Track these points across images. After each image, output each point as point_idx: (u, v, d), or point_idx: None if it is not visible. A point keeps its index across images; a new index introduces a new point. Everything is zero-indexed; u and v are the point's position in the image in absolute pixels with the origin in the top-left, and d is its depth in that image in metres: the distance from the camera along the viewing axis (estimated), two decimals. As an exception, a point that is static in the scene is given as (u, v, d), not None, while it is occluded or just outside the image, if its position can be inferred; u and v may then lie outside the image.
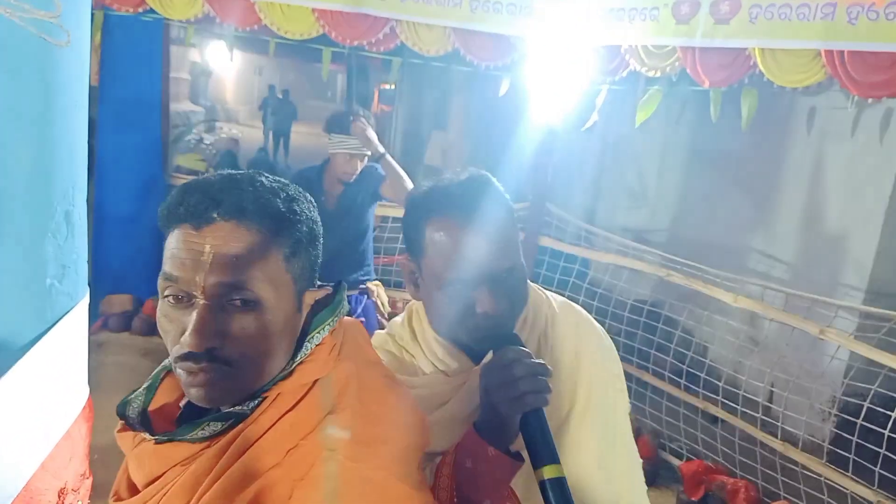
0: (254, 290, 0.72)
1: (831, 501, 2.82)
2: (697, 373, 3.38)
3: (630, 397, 1.14)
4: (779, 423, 3.17)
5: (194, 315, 0.71)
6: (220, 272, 0.71)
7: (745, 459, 3.13)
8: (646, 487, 1.11)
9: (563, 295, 1.21)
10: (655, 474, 3.31)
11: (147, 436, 0.76)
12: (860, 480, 2.72)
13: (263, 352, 0.74)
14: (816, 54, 2.80)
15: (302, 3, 3.61)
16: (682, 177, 5.38)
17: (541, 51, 3.64)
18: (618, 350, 1.15)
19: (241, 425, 0.73)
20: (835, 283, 3.91)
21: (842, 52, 2.69)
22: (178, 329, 0.72)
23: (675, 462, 3.38)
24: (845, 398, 3.09)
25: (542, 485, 0.81)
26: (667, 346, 3.51)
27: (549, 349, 1.05)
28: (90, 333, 1.38)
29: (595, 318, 1.14)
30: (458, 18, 3.62)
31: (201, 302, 0.71)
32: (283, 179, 0.79)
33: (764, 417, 3.13)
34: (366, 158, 2.74)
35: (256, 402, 0.74)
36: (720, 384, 3.27)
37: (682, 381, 3.43)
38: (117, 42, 3.90)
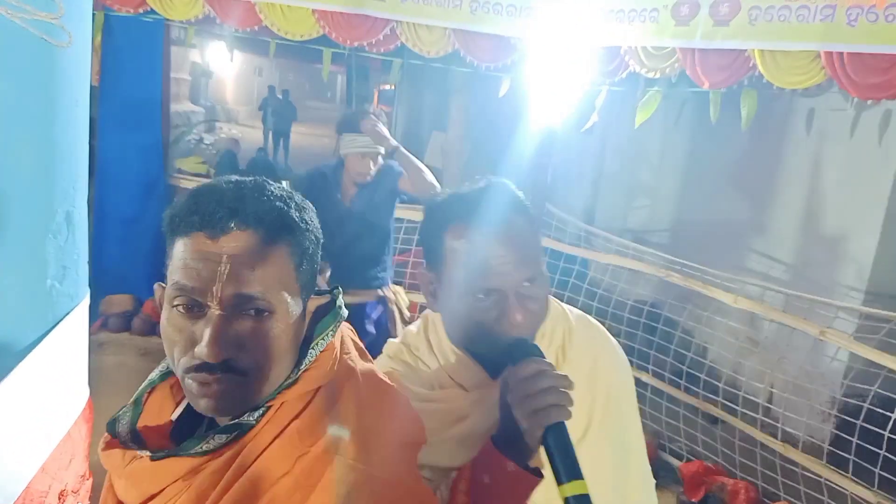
0: (268, 299, 0.72)
1: (831, 502, 2.82)
2: (697, 373, 3.38)
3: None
4: (779, 424, 3.16)
5: (209, 326, 0.69)
6: (236, 282, 0.70)
7: (744, 460, 3.13)
8: None
9: (563, 295, 1.20)
10: (655, 475, 3.27)
11: (142, 453, 0.74)
12: (860, 481, 2.72)
13: (275, 360, 0.73)
14: (816, 56, 2.80)
15: (302, 4, 3.62)
16: (682, 178, 5.38)
17: (541, 52, 3.64)
18: (618, 351, 1.15)
19: (245, 436, 0.73)
20: (834, 284, 3.91)
21: (841, 54, 2.70)
22: (187, 339, 0.71)
23: (675, 463, 3.38)
24: (845, 399, 3.09)
25: (566, 501, 0.78)
26: (666, 347, 3.51)
27: (567, 364, 1.03)
28: (90, 334, 1.38)
29: (595, 319, 1.13)
30: (458, 19, 3.63)
31: (216, 312, 0.70)
32: (286, 187, 0.79)
33: (764, 418, 3.13)
34: (379, 158, 2.65)
35: (261, 411, 0.73)
36: (720, 385, 3.27)
37: (682, 382, 3.43)
38: (118, 43, 3.91)
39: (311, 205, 0.81)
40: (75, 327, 1.11)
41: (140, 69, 4.01)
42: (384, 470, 0.73)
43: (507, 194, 0.97)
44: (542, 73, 3.71)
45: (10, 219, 0.85)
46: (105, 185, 4.06)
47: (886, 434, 2.61)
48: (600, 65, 3.57)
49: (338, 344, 0.82)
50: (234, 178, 0.77)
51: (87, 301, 1.19)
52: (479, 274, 0.91)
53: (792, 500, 2.95)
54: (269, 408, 0.74)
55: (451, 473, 0.93)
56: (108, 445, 0.78)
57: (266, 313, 0.72)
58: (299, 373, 0.76)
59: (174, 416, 0.82)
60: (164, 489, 0.74)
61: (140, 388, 0.83)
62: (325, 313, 0.82)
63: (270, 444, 0.72)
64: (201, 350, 0.69)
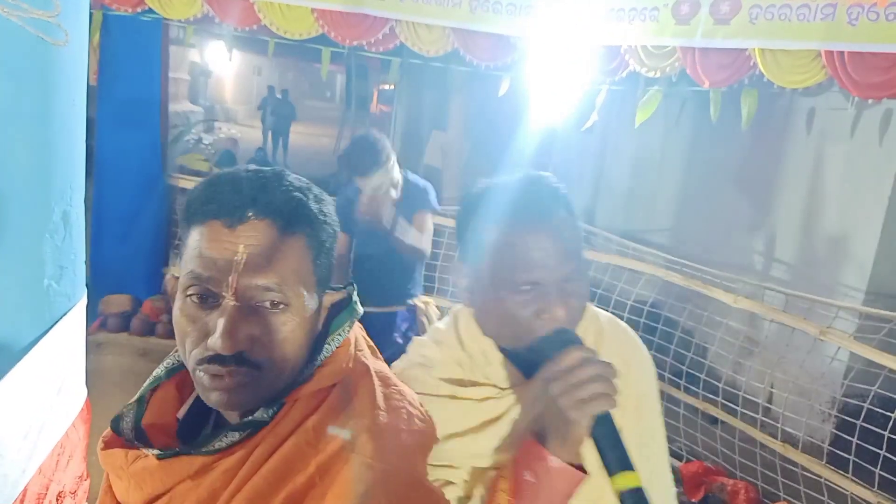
0: (285, 291, 0.70)
1: (831, 502, 2.81)
2: (697, 374, 3.38)
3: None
4: (779, 425, 3.16)
5: (223, 316, 0.68)
6: (253, 273, 0.68)
7: (744, 461, 3.13)
8: None
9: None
10: (655, 475, 3.30)
11: (148, 451, 0.72)
12: (860, 482, 2.72)
13: (289, 355, 0.72)
14: (816, 55, 2.80)
15: (301, 3, 3.61)
16: (682, 177, 5.38)
17: (541, 51, 3.63)
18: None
19: (259, 433, 0.71)
20: (835, 284, 3.91)
21: (842, 53, 2.69)
22: (200, 330, 0.69)
23: (675, 463, 3.37)
24: (845, 399, 3.08)
25: (620, 496, 0.76)
26: (666, 347, 3.51)
27: None
28: (88, 334, 1.37)
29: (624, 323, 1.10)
30: (458, 18, 3.62)
31: (231, 303, 0.68)
32: (305, 179, 0.77)
33: (764, 418, 3.12)
34: (392, 192, 2.60)
35: (276, 408, 0.71)
36: (720, 385, 3.26)
37: (682, 382, 3.43)
38: (116, 42, 3.90)
39: (329, 197, 0.79)
40: (73, 327, 1.10)
41: (138, 68, 4.00)
42: (401, 468, 0.72)
43: (548, 186, 0.94)
44: (542, 73, 3.71)
45: (7, 218, 0.85)
46: (104, 185, 4.06)
47: (887, 434, 2.60)
48: (600, 64, 3.56)
49: (353, 340, 0.80)
50: (253, 167, 0.75)
51: (84, 301, 1.18)
52: (522, 267, 0.88)
53: (792, 500, 2.95)
54: (283, 404, 0.72)
55: (488, 474, 0.90)
56: (109, 444, 0.75)
57: (282, 306, 0.70)
58: (314, 369, 0.74)
59: (180, 415, 0.80)
60: (170, 489, 0.71)
61: (145, 384, 0.81)
62: (341, 310, 0.80)
63: (285, 441, 0.70)
64: (214, 341, 0.67)
